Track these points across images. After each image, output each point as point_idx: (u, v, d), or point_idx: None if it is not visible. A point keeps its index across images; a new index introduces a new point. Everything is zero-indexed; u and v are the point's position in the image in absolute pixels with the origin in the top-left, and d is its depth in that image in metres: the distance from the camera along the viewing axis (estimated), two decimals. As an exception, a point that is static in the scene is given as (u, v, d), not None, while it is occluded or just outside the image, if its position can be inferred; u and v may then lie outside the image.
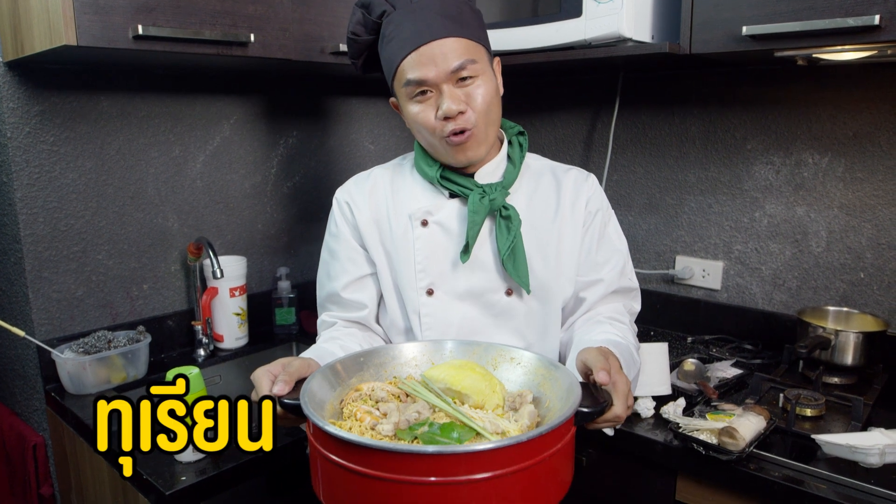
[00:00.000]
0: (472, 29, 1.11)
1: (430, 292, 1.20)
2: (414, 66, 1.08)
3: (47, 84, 1.57)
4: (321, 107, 2.13)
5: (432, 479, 0.72)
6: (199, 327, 1.82)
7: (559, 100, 2.17)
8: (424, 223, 1.20)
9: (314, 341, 1.27)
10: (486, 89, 1.11)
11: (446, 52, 1.07)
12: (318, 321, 1.32)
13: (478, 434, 0.84)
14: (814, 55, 1.44)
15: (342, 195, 1.27)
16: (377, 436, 0.85)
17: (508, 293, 1.20)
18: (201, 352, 1.83)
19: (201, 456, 1.29)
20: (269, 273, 2.07)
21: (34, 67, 1.54)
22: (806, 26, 1.27)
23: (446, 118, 1.09)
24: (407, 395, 0.96)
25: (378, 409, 0.91)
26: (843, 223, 1.68)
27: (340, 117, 2.18)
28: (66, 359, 1.56)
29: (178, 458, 1.28)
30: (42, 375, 1.63)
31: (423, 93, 1.10)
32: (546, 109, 2.20)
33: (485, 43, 1.15)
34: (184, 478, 1.23)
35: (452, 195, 1.20)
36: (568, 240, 1.22)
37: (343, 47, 1.62)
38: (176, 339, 1.87)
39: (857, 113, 1.62)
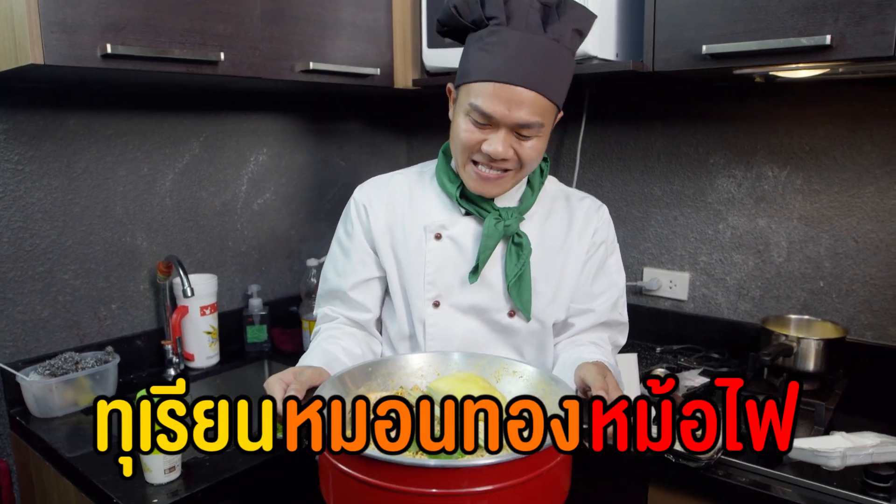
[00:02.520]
0: (559, 89, 1.11)
1: (436, 304, 1.22)
2: (489, 97, 1.07)
3: (12, 102, 1.55)
4: (291, 124, 2.13)
5: (433, 490, 0.76)
6: (170, 347, 1.80)
7: (527, 116, 2.20)
8: (438, 237, 1.22)
9: (286, 359, 1.27)
10: (536, 147, 1.12)
11: (524, 103, 1.06)
12: (319, 313, 1.32)
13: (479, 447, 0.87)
14: (770, 73, 1.50)
15: (360, 196, 1.28)
16: None
17: (511, 314, 1.22)
18: (172, 371, 1.81)
19: (173, 477, 1.27)
20: (240, 291, 2.06)
21: (-1, 86, 1.52)
22: (762, 45, 1.32)
23: (487, 156, 1.10)
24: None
25: None
26: (803, 234, 1.73)
27: (310, 135, 2.18)
28: (32, 381, 1.53)
29: (149, 479, 1.26)
30: (6, 399, 1.59)
31: (481, 121, 1.09)
32: (515, 125, 2.23)
33: (561, 102, 1.14)
34: (155, 500, 1.21)
35: (468, 212, 1.22)
36: (570, 268, 1.24)
37: (314, 66, 1.63)
38: (146, 359, 1.84)
39: (813, 128, 1.69)
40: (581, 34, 1.12)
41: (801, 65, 1.37)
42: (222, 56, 1.45)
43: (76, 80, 1.57)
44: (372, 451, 0.82)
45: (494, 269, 1.21)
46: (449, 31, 1.17)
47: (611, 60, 1.58)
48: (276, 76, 1.60)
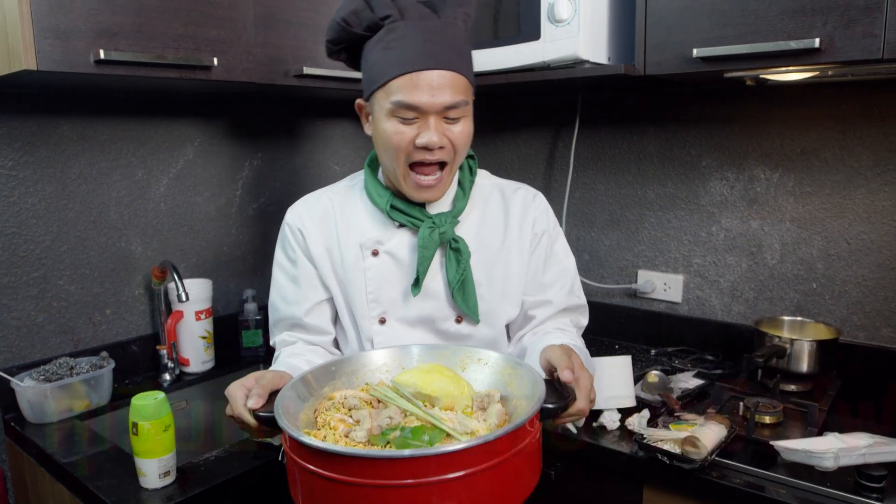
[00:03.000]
0: (468, 65, 1.12)
1: (382, 321, 1.21)
2: (409, 89, 1.06)
3: (5, 108, 1.56)
4: (285, 129, 2.13)
5: (409, 481, 0.75)
6: (165, 352, 1.80)
7: (521, 120, 2.21)
8: (375, 253, 1.20)
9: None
10: (465, 130, 1.12)
11: (445, 86, 1.07)
12: (276, 340, 1.31)
13: (448, 435, 0.87)
14: (761, 76, 1.51)
15: (294, 220, 1.25)
16: (351, 443, 0.87)
17: (458, 321, 1.22)
18: (167, 376, 1.81)
19: (168, 482, 1.27)
20: (236, 295, 2.06)
21: (-8, 92, 1.53)
22: (752, 48, 1.33)
23: (424, 148, 1.09)
24: (379, 402, 0.98)
25: (351, 416, 0.93)
26: (795, 236, 1.74)
27: (305, 139, 2.19)
28: (27, 387, 1.53)
29: (144, 484, 1.26)
30: (1, 405, 1.59)
31: (408, 116, 1.08)
32: (509, 129, 2.25)
33: (473, 83, 1.15)
34: (150, 505, 1.22)
35: (402, 224, 1.20)
36: (515, 264, 1.24)
37: (308, 70, 1.63)
38: (141, 364, 1.84)
39: (804, 130, 1.70)
40: (469, 15, 1.14)
41: (790, 68, 1.38)
42: (216, 61, 1.46)
43: (69, 86, 1.57)
44: (339, 445, 0.82)
45: (436, 278, 1.20)
46: (344, 47, 1.16)
47: (603, 64, 1.59)
48: (269, 81, 1.61)
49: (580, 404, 0.93)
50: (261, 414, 0.94)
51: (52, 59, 1.25)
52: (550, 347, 1.02)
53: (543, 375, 0.98)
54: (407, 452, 0.77)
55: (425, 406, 0.95)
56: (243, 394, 0.98)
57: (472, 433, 0.87)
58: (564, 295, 1.27)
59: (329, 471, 0.78)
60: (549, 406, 0.89)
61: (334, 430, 0.90)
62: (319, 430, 0.91)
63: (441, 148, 1.10)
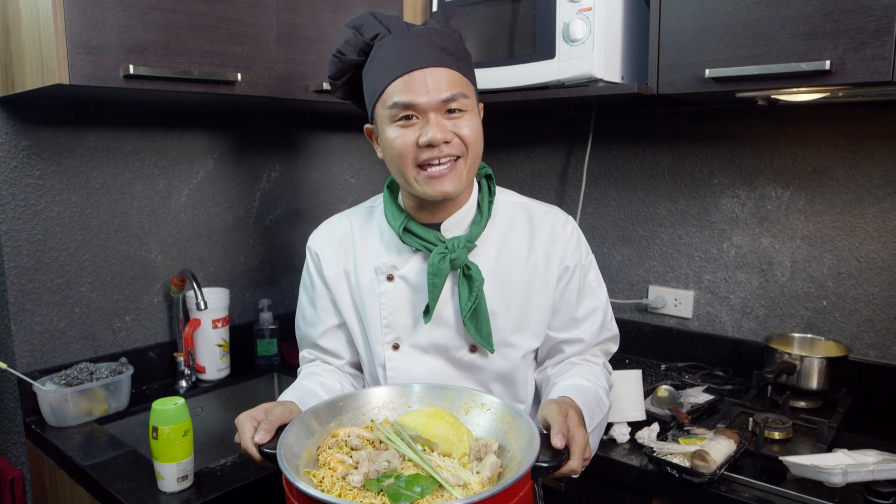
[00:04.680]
0: (465, 66, 1.11)
1: (395, 346, 1.20)
2: (404, 90, 1.05)
3: (35, 119, 1.61)
4: (303, 142, 2.18)
5: None
6: (182, 359, 1.84)
7: (535, 136, 2.24)
8: (390, 278, 1.19)
9: (296, 372, 1.30)
10: (474, 123, 1.10)
11: (439, 81, 1.05)
12: (301, 355, 1.35)
13: (440, 486, 0.89)
14: (772, 96, 1.53)
15: (313, 244, 1.27)
16: (347, 486, 0.90)
17: (472, 350, 1.19)
18: (183, 383, 1.84)
19: (186, 486, 1.30)
20: (251, 305, 2.09)
21: (23, 103, 1.57)
22: (764, 70, 1.36)
23: (429, 146, 1.06)
24: (381, 441, 1.01)
25: (351, 457, 0.96)
26: (806, 254, 1.76)
27: (322, 152, 2.23)
28: (48, 391, 1.56)
29: (162, 487, 1.29)
30: (22, 408, 1.63)
31: (408, 118, 1.07)
32: (522, 145, 2.28)
33: (475, 82, 1.14)
34: (168, 508, 1.24)
35: (417, 248, 1.17)
36: (538, 294, 1.19)
37: (327, 86, 1.67)
38: (158, 370, 1.88)
39: (816, 149, 1.72)
40: (459, 32, 1.14)
41: (801, 89, 1.41)
42: (239, 76, 1.50)
43: (97, 99, 1.62)
44: (334, 498, 0.85)
45: (448, 305, 1.17)
46: (346, 79, 1.16)
47: (616, 83, 1.62)
48: (289, 96, 1.65)
49: (573, 464, 0.94)
50: (266, 451, 0.98)
51: (84, 74, 1.29)
52: (549, 404, 1.01)
53: (542, 430, 0.99)
54: None
55: (424, 450, 0.98)
56: (252, 427, 1.01)
57: (464, 485, 0.89)
58: (596, 331, 1.24)
59: None
60: (542, 465, 0.91)
61: (333, 470, 0.93)
62: (319, 469, 0.95)
63: (447, 143, 1.07)
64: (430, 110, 1.06)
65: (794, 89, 1.41)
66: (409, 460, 0.95)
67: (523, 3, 1.67)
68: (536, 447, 0.90)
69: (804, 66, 1.31)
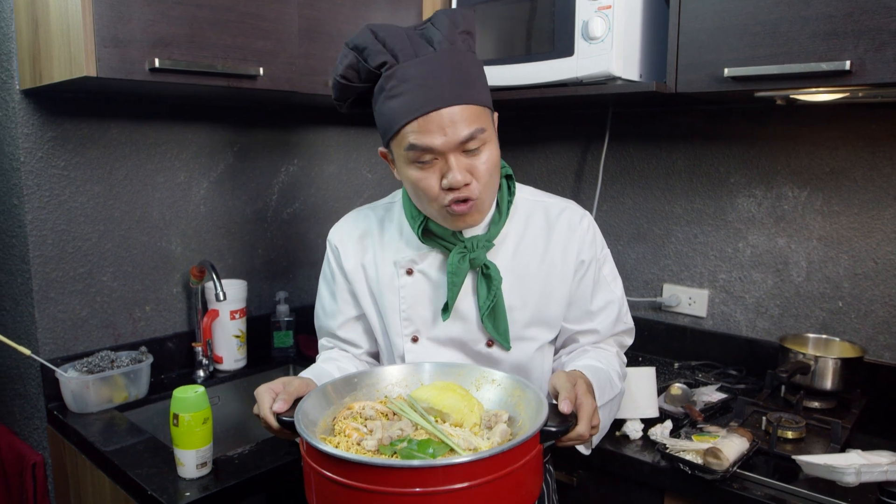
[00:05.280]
0: (479, 90, 1.07)
1: (414, 339, 1.22)
2: (420, 133, 1.03)
3: (61, 111, 1.64)
4: (321, 137, 2.20)
5: (417, 489, 0.81)
6: (200, 349, 1.86)
7: (551, 133, 2.25)
8: (409, 272, 1.21)
9: (311, 364, 1.32)
10: (490, 157, 1.08)
11: (456, 122, 1.02)
12: (320, 343, 1.37)
13: (451, 450, 0.91)
14: (791, 96, 1.53)
15: (333, 237, 1.29)
16: (361, 450, 0.92)
17: (489, 344, 1.21)
18: (201, 373, 1.87)
19: (205, 473, 1.32)
20: (269, 297, 2.12)
21: (49, 95, 1.60)
22: (783, 69, 1.36)
23: (450, 189, 1.06)
24: (394, 414, 1.03)
25: (366, 426, 0.98)
26: (822, 254, 1.75)
27: (340, 146, 2.25)
28: (70, 378, 1.59)
29: (182, 473, 1.31)
30: (44, 394, 1.66)
31: (426, 161, 1.06)
32: (539, 142, 2.29)
33: (489, 103, 1.10)
34: (188, 493, 1.27)
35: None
36: (555, 288, 1.21)
37: (346, 81, 1.69)
38: (176, 360, 1.91)
39: (834, 150, 1.71)
40: (470, 33, 1.09)
41: (821, 89, 1.40)
42: (261, 71, 1.52)
43: (121, 92, 1.65)
44: (350, 453, 0.87)
45: (467, 301, 1.19)
46: (351, 102, 1.14)
47: (634, 81, 1.62)
48: (310, 91, 1.67)
49: (580, 429, 0.96)
50: (283, 418, 1.00)
51: (111, 67, 1.32)
52: (558, 374, 1.03)
53: (551, 400, 1.01)
54: (415, 463, 0.84)
55: (436, 421, 0.99)
56: (270, 397, 1.03)
57: (475, 450, 0.91)
58: (611, 323, 1.26)
59: (339, 475, 0.83)
60: (550, 429, 0.93)
61: (348, 437, 0.95)
62: (335, 436, 0.97)
63: (467, 185, 1.06)
64: (448, 152, 1.04)
65: (814, 89, 1.41)
66: (422, 429, 0.97)
67: (542, 0, 1.68)
68: (545, 412, 0.92)
69: (824, 66, 1.31)
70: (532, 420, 0.95)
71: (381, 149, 1.17)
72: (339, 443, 0.94)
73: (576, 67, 1.62)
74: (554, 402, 1.00)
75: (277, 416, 1.01)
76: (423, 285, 1.21)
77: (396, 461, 0.86)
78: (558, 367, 1.28)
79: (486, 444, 0.93)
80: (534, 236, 1.22)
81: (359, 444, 0.94)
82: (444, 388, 1.04)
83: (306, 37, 1.64)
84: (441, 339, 1.22)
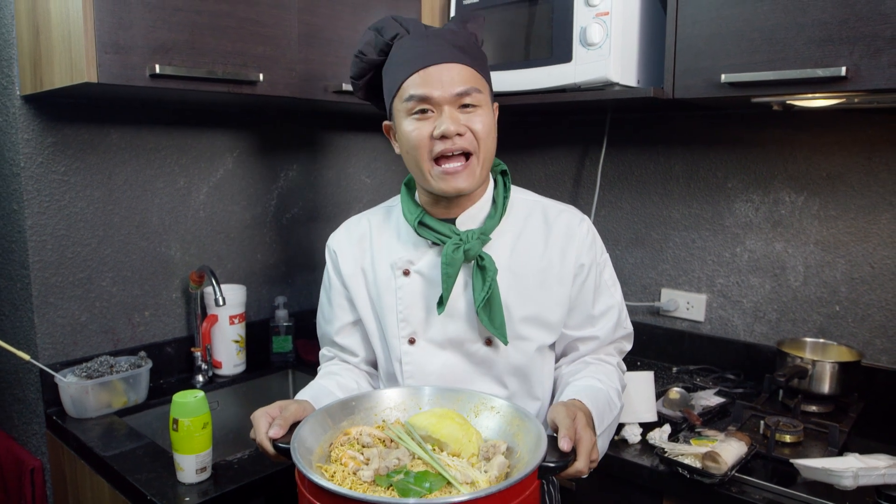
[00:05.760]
0: (480, 64, 1.15)
1: (411, 341, 1.22)
2: (419, 84, 1.10)
3: (61, 117, 1.64)
4: (320, 142, 2.21)
5: None
6: (199, 354, 1.87)
7: (550, 138, 2.26)
8: (406, 273, 1.22)
9: (310, 369, 1.33)
10: (485, 119, 1.12)
11: (453, 76, 1.10)
12: (321, 352, 1.39)
13: (448, 483, 0.91)
14: (787, 101, 1.54)
15: (332, 243, 1.31)
16: (357, 481, 0.91)
17: (487, 343, 1.20)
18: (200, 378, 1.87)
19: (204, 478, 1.32)
20: (268, 302, 2.12)
21: (49, 101, 1.61)
22: (779, 75, 1.37)
23: (443, 137, 1.09)
24: (391, 440, 1.03)
25: (363, 454, 0.98)
26: (819, 259, 1.76)
27: (339, 152, 2.26)
28: (69, 383, 1.60)
29: (181, 478, 1.31)
30: (43, 399, 1.66)
31: (424, 111, 1.11)
32: (537, 147, 2.30)
33: (489, 81, 1.18)
34: (187, 498, 1.27)
35: (434, 243, 1.19)
36: (553, 289, 1.21)
37: (346, 86, 1.70)
38: (175, 365, 1.91)
39: (830, 155, 1.72)
40: (475, 33, 1.18)
41: (817, 94, 1.41)
42: (261, 76, 1.53)
43: (121, 97, 1.66)
44: (344, 489, 0.86)
45: (462, 297, 1.19)
46: (367, 80, 1.21)
47: (632, 87, 1.63)
48: (309, 96, 1.67)
49: (579, 465, 0.96)
50: (280, 444, 1.00)
51: (111, 73, 1.32)
52: (557, 407, 1.03)
53: (550, 431, 1.01)
54: (411, 501, 0.84)
55: (434, 450, 0.99)
56: (266, 422, 1.04)
57: (472, 483, 0.90)
58: (611, 329, 1.26)
59: None
60: (549, 465, 0.92)
61: (344, 466, 0.95)
62: (331, 464, 0.97)
63: (460, 135, 1.10)
64: (444, 104, 1.10)
65: (810, 95, 1.42)
66: (419, 459, 0.96)
67: (541, 6, 1.69)
68: (543, 448, 0.92)
69: (820, 73, 1.32)
70: (531, 453, 0.95)
71: (386, 122, 1.22)
72: (334, 472, 0.94)
73: (574, 73, 1.63)
74: (553, 434, 1.00)
75: (274, 442, 1.01)
76: (419, 286, 1.21)
77: (391, 499, 0.86)
78: (556, 378, 1.28)
79: (484, 477, 0.92)
80: (532, 236, 1.23)
81: (355, 475, 0.93)
82: (442, 416, 1.03)
83: (306, 42, 1.65)
84: (438, 339, 1.22)
